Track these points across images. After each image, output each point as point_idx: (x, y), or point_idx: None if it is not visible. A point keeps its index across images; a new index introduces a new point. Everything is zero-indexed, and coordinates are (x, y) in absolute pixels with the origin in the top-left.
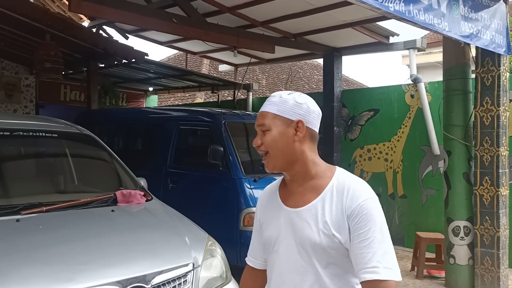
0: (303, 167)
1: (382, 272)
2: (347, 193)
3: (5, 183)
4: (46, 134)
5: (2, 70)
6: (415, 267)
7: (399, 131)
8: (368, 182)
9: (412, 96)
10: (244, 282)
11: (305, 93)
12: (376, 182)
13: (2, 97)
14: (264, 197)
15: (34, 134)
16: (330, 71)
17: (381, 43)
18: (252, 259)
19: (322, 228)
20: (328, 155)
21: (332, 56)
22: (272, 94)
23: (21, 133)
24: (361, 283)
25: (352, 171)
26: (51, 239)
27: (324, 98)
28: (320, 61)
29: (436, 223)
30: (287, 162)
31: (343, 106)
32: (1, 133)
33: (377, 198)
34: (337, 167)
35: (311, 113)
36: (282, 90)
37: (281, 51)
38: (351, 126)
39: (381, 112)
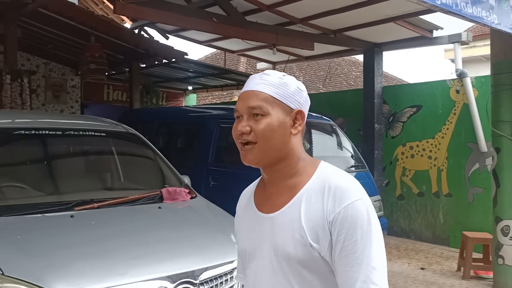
0: (288, 165)
1: None
2: (329, 193)
3: (58, 180)
4: (95, 133)
5: (49, 72)
6: (462, 268)
7: (444, 128)
8: (411, 180)
9: (457, 91)
10: None
11: (343, 90)
12: (419, 180)
13: (49, 98)
14: (241, 203)
15: (84, 133)
16: (370, 67)
17: (424, 37)
18: (239, 275)
19: (298, 237)
20: (368, 153)
21: (373, 51)
22: (265, 72)
23: (72, 132)
24: None
25: (394, 169)
26: (103, 234)
27: (364, 95)
28: (358, 57)
29: (483, 222)
30: (275, 157)
31: (384, 103)
32: (54, 132)
33: (368, 199)
34: (321, 161)
35: (307, 103)
36: (320, 87)
37: (320, 48)
38: (392, 123)
39: (424, 108)
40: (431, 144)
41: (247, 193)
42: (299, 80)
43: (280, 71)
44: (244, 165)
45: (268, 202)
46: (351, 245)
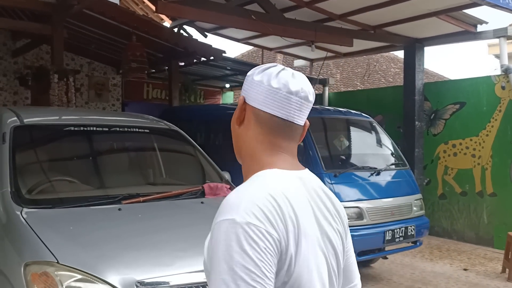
0: (244, 164)
1: None
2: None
3: (104, 175)
4: (139, 130)
5: (92, 71)
6: (506, 269)
7: (488, 125)
8: (453, 179)
9: (503, 87)
10: None
11: (382, 87)
12: (462, 179)
13: (92, 96)
14: None
15: (129, 129)
16: (411, 63)
17: (468, 32)
18: None
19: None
20: (408, 151)
21: (414, 47)
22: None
23: (117, 128)
24: None
25: (435, 168)
26: (150, 227)
27: (404, 91)
28: (397, 53)
29: None
30: (236, 152)
31: (425, 100)
32: (101, 129)
33: (238, 222)
34: (266, 170)
35: (255, 86)
36: (358, 84)
37: (358, 44)
38: (434, 120)
39: (468, 105)
40: (475, 142)
41: None
42: (336, 77)
43: (317, 67)
44: None
45: None
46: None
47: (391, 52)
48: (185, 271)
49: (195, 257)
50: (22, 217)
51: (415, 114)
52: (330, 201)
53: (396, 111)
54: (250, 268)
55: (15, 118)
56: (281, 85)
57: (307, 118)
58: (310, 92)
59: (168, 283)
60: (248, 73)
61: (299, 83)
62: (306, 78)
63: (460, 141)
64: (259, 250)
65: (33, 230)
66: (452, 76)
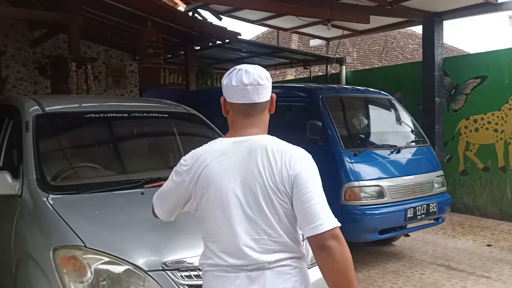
0: None
1: None
2: None
3: (126, 160)
4: (158, 115)
5: (109, 58)
6: None
7: (511, 99)
8: (475, 155)
9: None
10: None
11: (401, 64)
12: (484, 154)
13: (110, 83)
14: None
15: (148, 115)
16: (430, 38)
17: (488, 3)
18: None
19: None
20: (429, 128)
21: (432, 21)
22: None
23: (137, 114)
24: None
25: (456, 144)
26: None
27: (423, 67)
28: (415, 29)
29: None
30: None
31: (445, 75)
32: (121, 115)
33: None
34: (218, 138)
35: (224, 87)
36: (375, 62)
37: (375, 21)
38: (454, 96)
39: (490, 79)
40: (497, 117)
41: None
42: (353, 55)
43: (334, 46)
44: (301, 143)
45: None
46: None
47: (409, 28)
48: None
49: None
50: (49, 203)
51: (434, 90)
52: (267, 157)
53: (416, 87)
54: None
55: (37, 107)
56: (238, 82)
57: (326, 98)
58: (261, 78)
59: (192, 264)
60: (223, 81)
61: (250, 76)
62: (258, 69)
63: (482, 116)
64: (175, 173)
65: (60, 216)
66: (472, 50)
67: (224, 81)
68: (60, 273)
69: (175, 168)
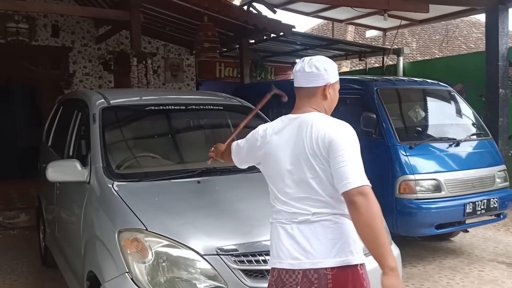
0: None
1: None
2: None
3: (183, 151)
4: (213, 107)
5: (168, 53)
6: None
7: None
8: None
9: None
10: None
11: (462, 54)
12: None
13: (168, 77)
14: None
15: (204, 107)
16: (494, 26)
17: None
18: None
19: None
20: (492, 121)
21: (497, 9)
22: None
23: (194, 107)
24: None
25: None
26: (227, 198)
27: (487, 57)
28: (479, 17)
29: None
30: None
31: (510, 65)
32: (178, 107)
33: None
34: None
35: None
36: (436, 52)
37: (435, 10)
38: None
39: None
40: None
41: None
42: (411, 46)
43: (391, 37)
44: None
45: None
46: None
47: (473, 16)
48: (262, 239)
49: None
50: (114, 189)
51: (498, 81)
52: (310, 129)
53: (478, 78)
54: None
55: (103, 100)
56: (294, 70)
57: (381, 90)
58: (310, 66)
59: (245, 249)
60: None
61: (301, 64)
62: (315, 59)
63: None
64: (250, 135)
65: (124, 201)
66: None
67: (294, 69)
68: (124, 254)
69: (252, 132)
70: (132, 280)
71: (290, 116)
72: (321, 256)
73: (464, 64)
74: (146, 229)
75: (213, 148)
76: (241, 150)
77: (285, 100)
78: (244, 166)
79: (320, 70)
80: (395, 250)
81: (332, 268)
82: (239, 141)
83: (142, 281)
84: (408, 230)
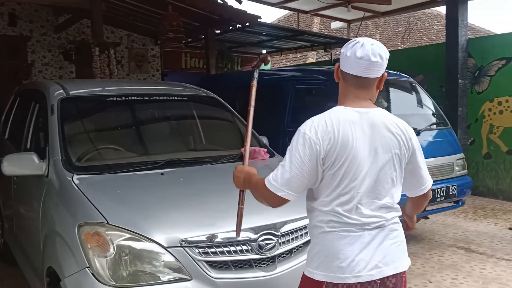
0: None
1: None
2: None
3: (147, 142)
4: (178, 98)
5: (131, 43)
6: None
7: None
8: (499, 137)
9: None
10: None
11: (423, 45)
12: (509, 137)
13: (133, 68)
14: None
15: (168, 98)
16: (453, 18)
17: None
18: None
19: None
20: (452, 111)
21: (457, 2)
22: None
23: (157, 97)
24: None
25: (480, 126)
26: (191, 190)
27: (446, 49)
28: (441, 9)
29: None
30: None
31: (469, 57)
32: (142, 98)
33: (304, 132)
34: (335, 107)
35: (343, 57)
36: (398, 44)
37: (398, 2)
38: (478, 78)
39: None
40: None
41: None
42: (375, 38)
43: (355, 28)
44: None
45: None
46: None
47: (434, 9)
48: (226, 230)
49: (235, 217)
50: (74, 182)
51: (458, 72)
52: (386, 129)
53: (439, 69)
54: (296, 156)
55: (61, 90)
56: (352, 54)
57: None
58: (375, 55)
59: (210, 241)
60: (342, 50)
61: (364, 51)
62: (377, 46)
63: (507, 98)
64: (303, 148)
65: (84, 194)
66: (501, 31)
67: (348, 52)
68: (84, 248)
69: (299, 142)
70: (93, 275)
71: (354, 109)
72: (399, 260)
73: (425, 56)
74: (108, 223)
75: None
76: (294, 175)
77: (268, 60)
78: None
79: (383, 60)
80: None
81: (404, 271)
82: (278, 174)
83: (104, 276)
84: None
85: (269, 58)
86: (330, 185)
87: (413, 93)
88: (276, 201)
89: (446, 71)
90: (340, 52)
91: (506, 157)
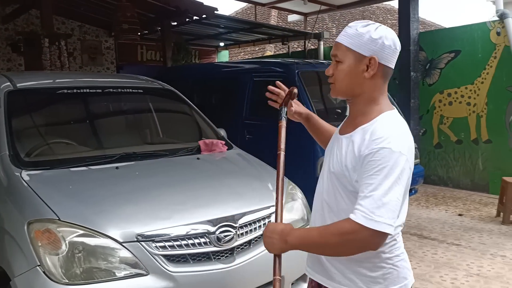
0: (359, 102)
1: (358, 215)
2: (369, 135)
3: (101, 136)
4: (133, 90)
5: (84, 34)
6: (501, 213)
7: (483, 73)
8: (449, 128)
9: (498, 33)
10: None
11: None
12: (458, 127)
13: (86, 60)
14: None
15: (122, 90)
16: (405, 13)
17: None
18: None
19: (341, 158)
20: (404, 102)
21: None
22: (349, 25)
23: (111, 90)
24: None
25: (431, 117)
26: (147, 183)
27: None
28: (394, 3)
29: None
30: (350, 94)
31: (420, 50)
32: (94, 90)
33: (400, 153)
34: (388, 112)
35: (385, 49)
36: None
37: None
38: (429, 70)
39: (463, 53)
40: (470, 90)
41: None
42: (332, 31)
43: (312, 21)
44: (277, 118)
45: (344, 127)
46: (368, 177)
47: (388, 3)
48: (183, 223)
49: (193, 209)
50: (22, 178)
51: (410, 64)
52: None
53: None
54: (402, 183)
55: (8, 83)
56: (396, 45)
57: (302, 72)
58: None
59: (167, 235)
60: (376, 37)
61: (393, 37)
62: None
63: (456, 90)
64: (407, 171)
65: (34, 190)
66: (451, 25)
67: (392, 42)
68: (35, 246)
69: (399, 165)
70: (45, 274)
71: (396, 112)
72: None
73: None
74: (59, 219)
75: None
76: (400, 202)
77: (295, 94)
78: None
79: None
80: None
81: None
82: (383, 207)
83: (56, 274)
84: None
85: (295, 90)
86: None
87: None
88: (373, 243)
89: (399, 64)
90: (298, 45)
91: (455, 146)
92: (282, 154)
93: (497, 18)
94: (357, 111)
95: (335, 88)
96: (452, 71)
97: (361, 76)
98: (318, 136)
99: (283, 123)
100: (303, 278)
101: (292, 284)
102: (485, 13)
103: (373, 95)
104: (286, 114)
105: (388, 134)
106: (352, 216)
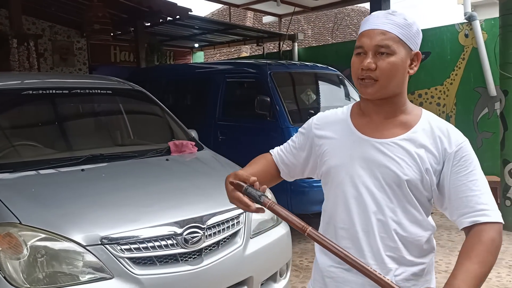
0: (400, 100)
1: (493, 215)
2: (439, 131)
3: (68, 138)
4: (101, 91)
5: (55, 35)
6: None
7: (452, 74)
8: None
9: (466, 35)
10: (258, 160)
11: (350, 40)
12: None
13: (57, 61)
14: (329, 120)
15: (91, 91)
16: None
17: None
18: (281, 155)
19: (414, 163)
20: None
21: None
22: (388, 11)
23: (78, 91)
24: (471, 226)
25: None
26: (114, 185)
27: None
28: (367, 5)
29: (492, 167)
30: (392, 93)
31: None
32: (61, 91)
33: (469, 142)
34: (420, 107)
35: (419, 36)
36: (329, 39)
37: None
38: None
39: (433, 55)
40: (440, 91)
41: (336, 115)
42: (307, 33)
43: (287, 23)
44: (250, 118)
45: (371, 129)
46: (468, 175)
47: (362, 5)
48: (150, 225)
49: (160, 211)
50: None
51: None
52: None
53: None
54: None
55: None
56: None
57: (274, 73)
58: None
59: (132, 237)
60: (420, 30)
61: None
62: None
63: (426, 91)
64: None
65: None
66: (423, 27)
67: (416, 26)
68: None
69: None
70: (5, 279)
71: None
72: None
73: (352, 50)
74: (20, 223)
75: None
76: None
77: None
78: None
79: None
80: (284, 229)
81: None
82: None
83: (17, 279)
84: (301, 208)
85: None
86: None
87: (341, 86)
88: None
89: None
90: (273, 46)
91: None
92: (309, 229)
93: (465, 20)
94: (395, 110)
95: (376, 85)
96: (422, 73)
97: (406, 72)
98: (271, 177)
99: (268, 201)
100: (272, 278)
101: (262, 284)
102: (456, 16)
103: (404, 88)
104: (256, 188)
105: (454, 127)
106: (485, 219)
